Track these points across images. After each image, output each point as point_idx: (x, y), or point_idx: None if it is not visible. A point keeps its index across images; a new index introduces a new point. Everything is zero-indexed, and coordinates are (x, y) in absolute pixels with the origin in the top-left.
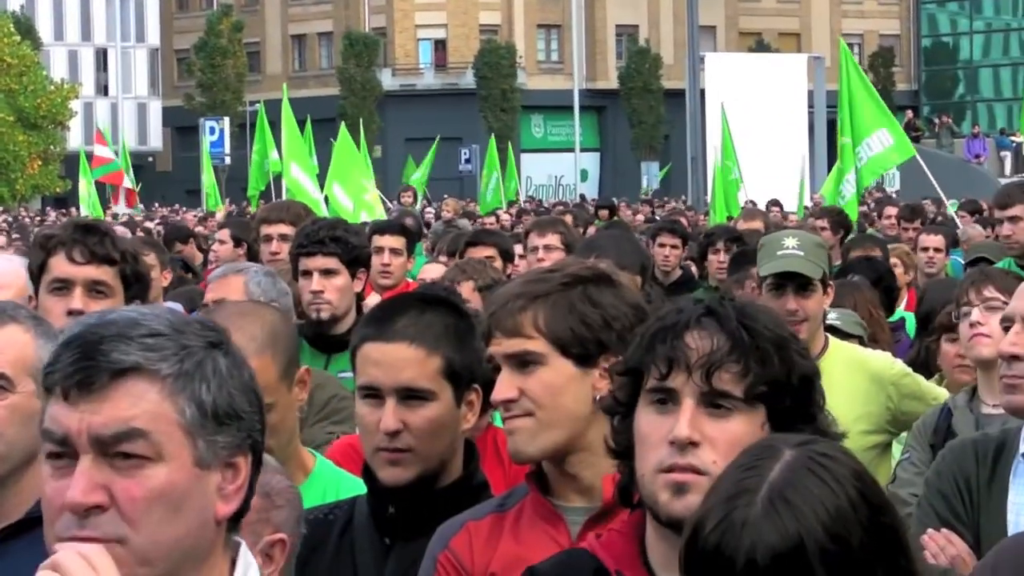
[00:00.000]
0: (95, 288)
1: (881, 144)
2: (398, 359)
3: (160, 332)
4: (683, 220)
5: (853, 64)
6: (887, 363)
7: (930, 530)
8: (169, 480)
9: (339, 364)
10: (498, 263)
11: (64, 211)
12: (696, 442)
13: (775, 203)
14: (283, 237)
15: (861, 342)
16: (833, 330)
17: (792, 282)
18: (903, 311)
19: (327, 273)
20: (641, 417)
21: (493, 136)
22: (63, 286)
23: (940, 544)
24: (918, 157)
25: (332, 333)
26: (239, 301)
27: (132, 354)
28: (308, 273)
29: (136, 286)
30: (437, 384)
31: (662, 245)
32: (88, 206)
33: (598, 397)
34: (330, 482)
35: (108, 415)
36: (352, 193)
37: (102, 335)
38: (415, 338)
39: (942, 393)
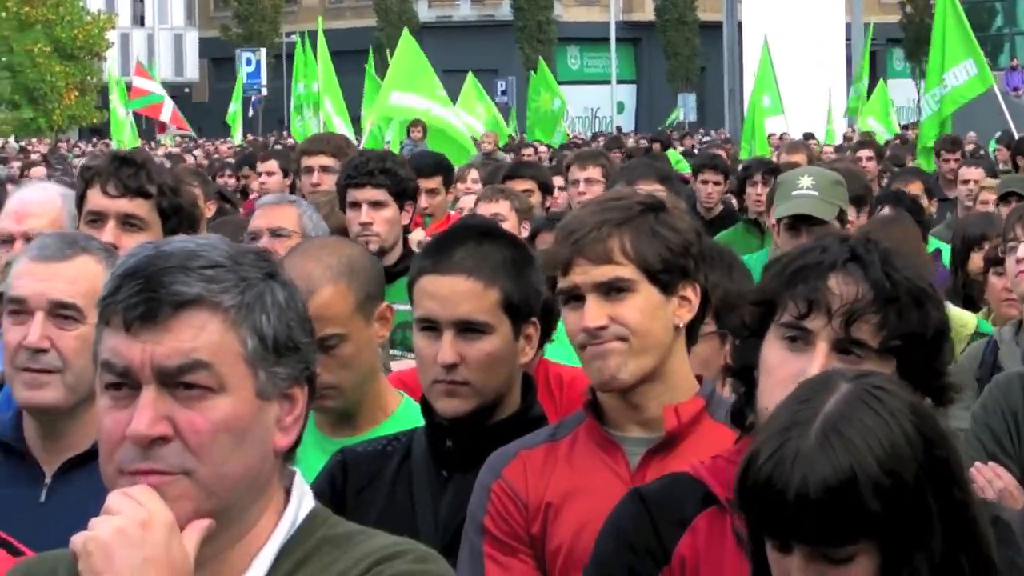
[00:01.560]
0: (128, 221)
1: (967, 74)
2: (455, 292)
3: (220, 263)
4: (723, 153)
5: None
6: None
7: (977, 463)
8: (233, 411)
9: (386, 296)
10: (536, 196)
11: (106, 141)
12: None
13: (810, 136)
14: (324, 169)
15: None
16: None
17: (806, 223)
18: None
19: (376, 205)
20: (771, 350)
21: (539, 64)
22: (97, 219)
23: (988, 477)
24: (995, 88)
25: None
26: (321, 237)
27: (194, 286)
28: (356, 205)
29: (175, 218)
30: (495, 317)
31: (705, 182)
32: (118, 137)
33: (680, 325)
34: (413, 421)
35: (171, 346)
36: (425, 92)
37: (162, 267)
38: (472, 271)
39: (970, 321)
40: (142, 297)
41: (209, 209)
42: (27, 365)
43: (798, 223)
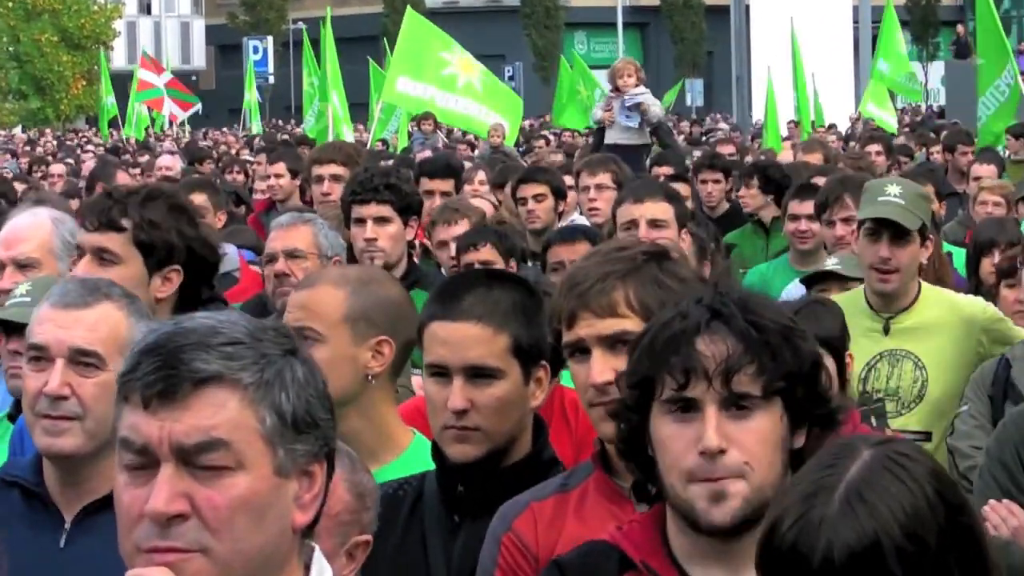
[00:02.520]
0: (101, 255)
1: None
2: (465, 337)
3: (239, 340)
4: (731, 146)
5: None
6: (980, 307)
7: (992, 501)
8: (251, 489)
9: None
10: (550, 201)
11: (122, 136)
12: (724, 449)
13: (831, 127)
14: (335, 178)
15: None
16: (832, 275)
17: (888, 230)
18: (952, 246)
19: (380, 221)
20: (660, 426)
21: (574, 58)
22: (80, 252)
23: (1002, 515)
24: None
25: None
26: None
27: (213, 363)
28: (361, 221)
29: (156, 253)
30: (504, 362)
31: (704, 181)
32: (106, 127)
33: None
34: (424, 463)
35: (190, 424)
36: (429, 77)
37: (182, 343)
38: (482, 316)
39: None
40: (161, 374)
41: (219, 220)
42: (47, 412)
43: (879, 229)
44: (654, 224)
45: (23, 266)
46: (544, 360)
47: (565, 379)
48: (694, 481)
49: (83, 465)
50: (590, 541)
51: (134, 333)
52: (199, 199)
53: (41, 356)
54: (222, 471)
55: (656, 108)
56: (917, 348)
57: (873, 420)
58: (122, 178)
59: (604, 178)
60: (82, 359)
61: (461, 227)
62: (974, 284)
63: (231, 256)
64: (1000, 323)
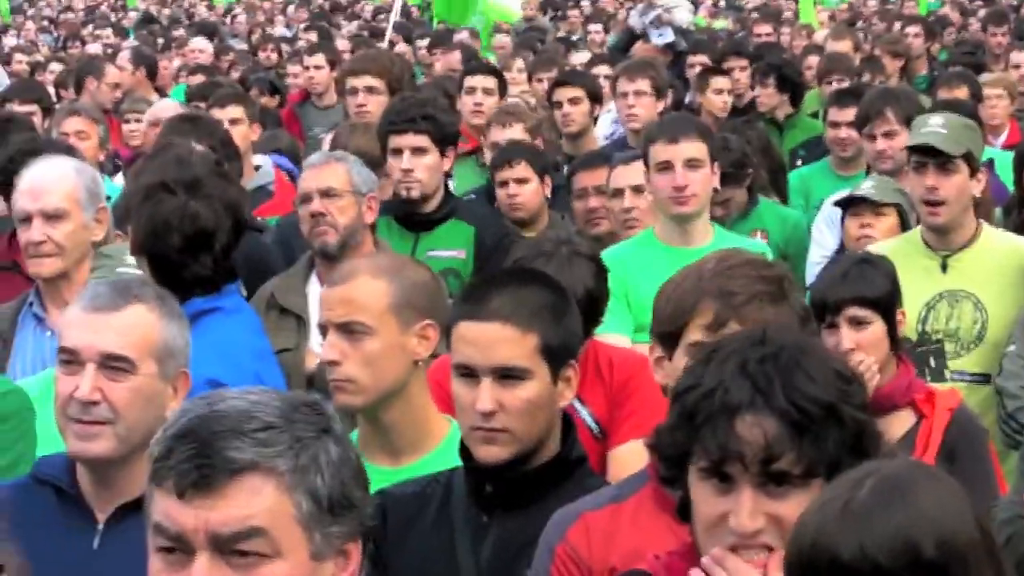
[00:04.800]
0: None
1: None
2: (493, 338)
3: (273, 424)
4: (767, 24)
5: None
6: None
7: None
8: None
9: (427, 243)
10: (585, 104)
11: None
12: (759, 528)
13: None
14: (369, 89)
15: (899, 211)
16: (865, 201)
17: (933, 159)
18: (997, 148)
19: (417, 152)
20: (696, 489)
21: None
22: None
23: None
24: None
25: (421, 212)
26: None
27: (247, 451)
28: (398, 151)
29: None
30: (533, 363)
31: (730, 68)
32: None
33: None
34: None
35: (226, 513)
36: None
37: (215, 430)
38: (510, 317)
39: None
40: (195, 463)
41: (255, 131)
42: (78, 417)
43: (925, 161)
44: (690, 164)
45: (51, 217)
46: (572, 360)
47: (599, 332)
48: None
49: (115, 468)
50: (630, 571)
51: (166, 335)
52: (235, 112)
53: (72, 360)
54: (259, 559)
55: (680, 11)
56: (977, 289)
57: (932, 361)
58: (111, 74)
59: (643, 84)
60: (113, 364)
61: (515, 131)
62: (1018, 196)
63: (266, 169)
64: None
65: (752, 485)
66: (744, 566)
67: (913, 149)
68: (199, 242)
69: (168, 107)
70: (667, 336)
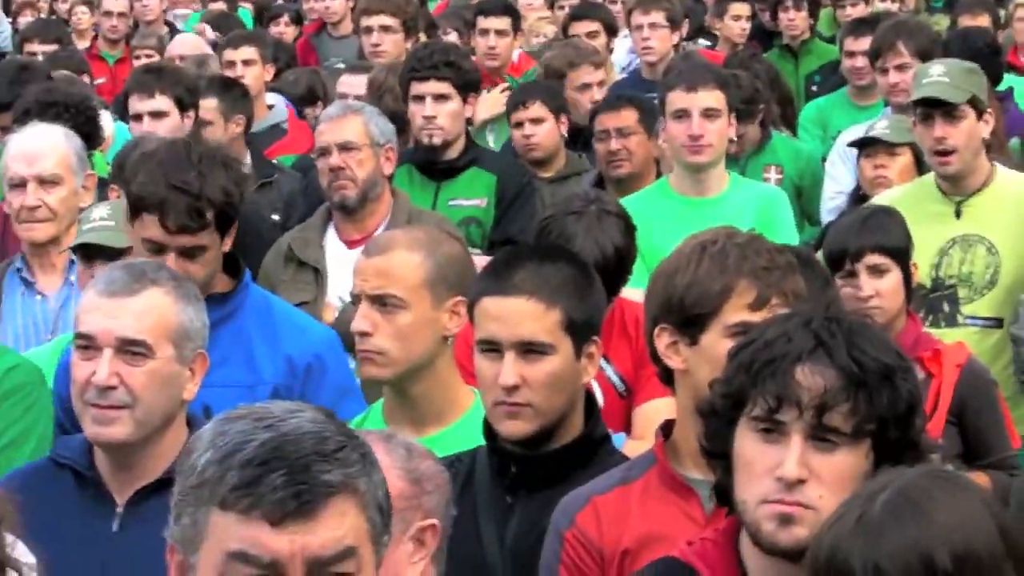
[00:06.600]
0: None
1: None
2: (516, 313)
3: (344, 444)
4: None
5: None
6: None
7: None
8: None
9: (449, 191)
10: (603, 38)
11: None
12: (804, 479)
13: None
14: (384, 28)
15: (913, 149)
16: (878, 142)
17: (938, 109)
18: (1016, 76)
19: (439, 98)
20: (744, 441)
21: None
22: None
23: None
24: None
25: (442, 159)
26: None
27: (336, 473)
28: (420, 98)
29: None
30: (556, 338)
31: (736, 17)
32: None
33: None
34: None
35: (325, 536)
36: None
37: (301, 454)
38: (533, 292)
39: None
40: (292, 490)
41: (268, 72)
42: (96, 401)
43: (931, 111)
44: (707, 114)
45: (46, 182)
46: (595, 336)
47: (625, 291)
48: (766, 502)
49: (134, 451)
50: (662, 559)
51: (183, 318)
52: (248, 52)
53: (89, 345)
54: None
55: None
56: (990, 232)
57: (945, 306)
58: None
59: (658, 16)
60: (130, 348)
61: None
62: None
63: (279, 108)
64: None
65: (803, 435)
66: None
67: (917, 102)
68: None
69: (186, 42)
70: (692, 320)
